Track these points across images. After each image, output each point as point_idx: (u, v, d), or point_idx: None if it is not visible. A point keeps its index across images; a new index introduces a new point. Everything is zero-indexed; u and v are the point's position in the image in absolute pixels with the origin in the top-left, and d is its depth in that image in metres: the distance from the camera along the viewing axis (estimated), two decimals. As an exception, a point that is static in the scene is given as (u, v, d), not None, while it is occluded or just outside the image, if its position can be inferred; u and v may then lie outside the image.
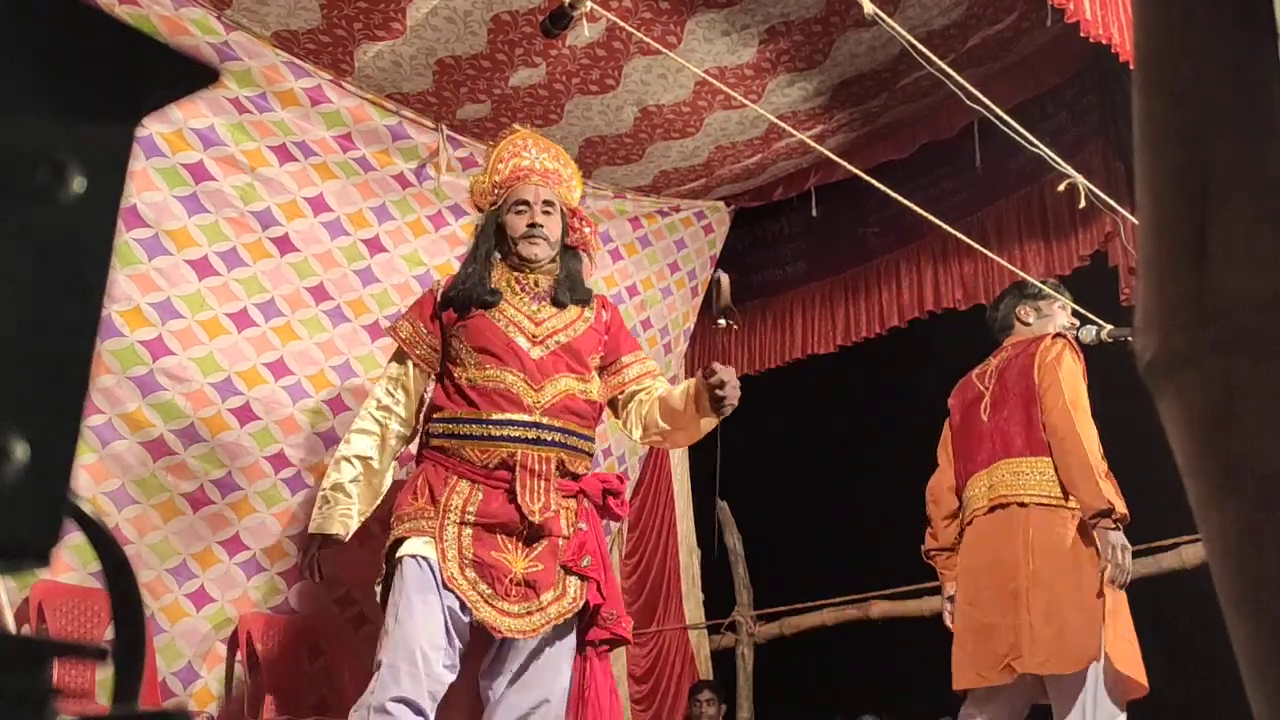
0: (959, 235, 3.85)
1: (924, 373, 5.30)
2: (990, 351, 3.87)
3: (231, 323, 4.30)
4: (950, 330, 5.73)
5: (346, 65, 4.67)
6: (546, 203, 3.06)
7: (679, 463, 6.69)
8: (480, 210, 3.23)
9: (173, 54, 0.49)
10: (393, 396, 3.14)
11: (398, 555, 2.82)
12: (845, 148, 5.48)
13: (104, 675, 3.51)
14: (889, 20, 3.21)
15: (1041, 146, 3.57)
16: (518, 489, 2.83)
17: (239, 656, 4.14)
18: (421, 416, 3.16)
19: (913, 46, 3.34)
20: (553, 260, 3.09)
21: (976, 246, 4.17)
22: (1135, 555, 5.04)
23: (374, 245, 4.85)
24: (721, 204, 6.37)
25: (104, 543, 0.56)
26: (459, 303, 3.03)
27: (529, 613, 2.81)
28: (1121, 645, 3.27)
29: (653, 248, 6.11)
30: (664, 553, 6.49)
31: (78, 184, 0.47)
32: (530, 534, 2.86)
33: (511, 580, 2.80)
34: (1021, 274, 4.25)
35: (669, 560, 6.51)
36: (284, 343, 4.39)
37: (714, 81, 4.15)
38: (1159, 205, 0.57)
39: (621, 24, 3.94)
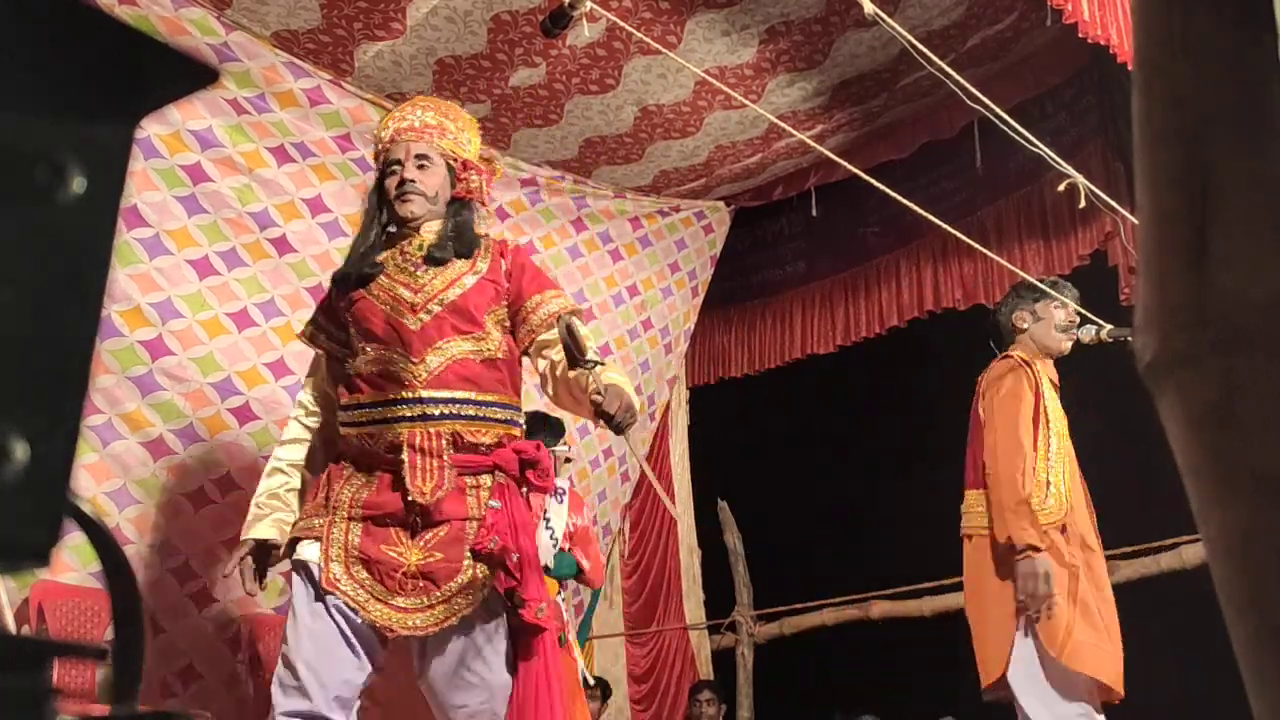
0: (959, 235, 3.85)
1: (924, 373, 5.31)
2: (989, 351, 3.86)
3: (232, 323, 4.30)
4: (950, 330, 5.73)
5: (346, 65, 4.67)
6: (420, 157, 2.79)
7: (679, 462, 6.70)
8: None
9: (173, 54, 0.49)
10: (314, 401, 2.91)
11: (293, 559, 2.69)
12: (845, 148, 5.48)
13: (104, 675, 3.51)
14: (889, 20, 3.21)
15: (1041, 146, 3.57)
16: (406, 472, 2.59)
17: (240, 656, 4.13)
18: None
19: (913, 46, 3.34)
20: (438, 218, 2.82)
21: (976, 246, 4.17)
22: (1135, 555, 5.10)
23: (373, 246, 4.85)
24: (721, 204, 6.37)
25: (104, 543, 0.56)
26: (342, 285, 2.81)
27: (429, 606, 2.58)
28: (1081, 647, 3.31)
29: (653, 248, 6.11)
30: (664, 553, 6.50)
31: (78, 184, 0.47)
32: (425, 521, 2.62)
33: (405, 574, 2.58)
34: (1021, 274, 4.25)
35: (669, 560, 6.52)
36: (284, 343, 4.39)
37: (714, 81, 4.15)
38: (1159, 205, 0.57)
39: (621, 24, 3.94)
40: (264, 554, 2.82)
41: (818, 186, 6.04)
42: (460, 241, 2.79)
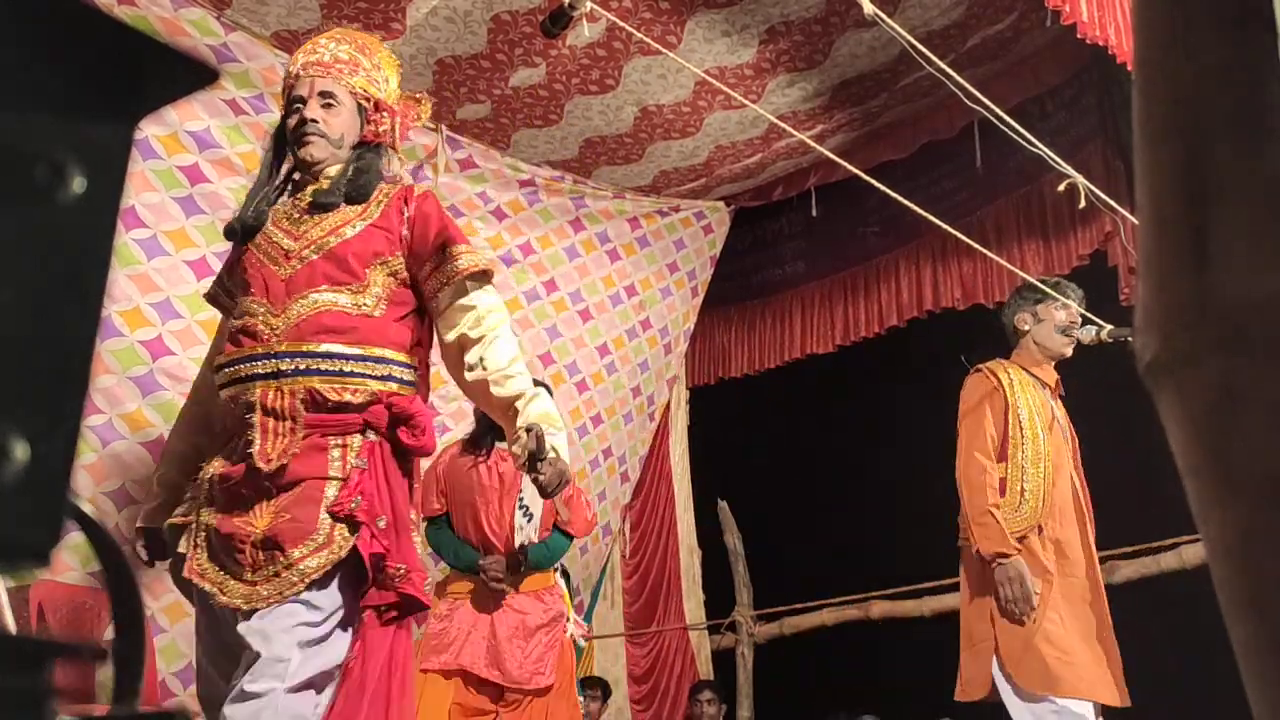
0: (959, 235, 3.85)
1: (923, 373, 5.31)
2: (989, 351, 3.87)
3: (231, 323, 4.30)
4: (949, 330, 5.73)
5: (346, 65, 4.67)
6: (326, 95, 2.52)
7: (679, 462, 6.70)
8: None
9: (172, 54, 0.49)
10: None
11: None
12: (845, 148, 5.48)
13: (104, 675, 3.51)
14: (889, 20, 3.21)
15: (1041, 146, 3.57)
16: (257, 435, 2.31)
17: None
18: None
19: (913, 47, 3.34)
20: (340, 162, 2.56)
21: (976, 246, 4.17)
22: (1135, 555, 5.10)
23: (373, 245, 4.85)
24: (721, 204, 6.37)
25: (104, 543, 0.56)
26: (232, 237, 2.57)
27: (275, 575, 2.26)
28: (1034, 666, 3.35)
29: (651, 248, 6.12)
30: (664, 553, 6.50)
31: (78, 184, 0.47)
32: (277, 485, 2.33)
33: (253, 544, 2.28)
34: (1022, 274, 4.25)
35: (669, 560, 6.52)
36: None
37: (714, 81, 4.15)
38: (1159, 205, 0.57)
39: (621, 24, 3.94)
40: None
41: (818, 186, 6.04)
42: (353, 185, 2.52)
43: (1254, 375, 0.52)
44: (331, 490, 2.33)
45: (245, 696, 2.20)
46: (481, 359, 2.52)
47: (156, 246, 4.14)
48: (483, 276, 2.55)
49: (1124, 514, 3.81)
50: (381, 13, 4.39)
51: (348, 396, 2.37)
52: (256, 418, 2.33)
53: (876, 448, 6.62)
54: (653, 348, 6.17)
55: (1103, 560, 4.92)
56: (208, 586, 2.30)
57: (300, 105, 2.53)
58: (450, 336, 2.53)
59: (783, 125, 3.88)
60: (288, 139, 2.56)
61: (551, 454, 2.44)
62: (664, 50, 3.80)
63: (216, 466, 2.40)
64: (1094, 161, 5.10)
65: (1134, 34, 0.62)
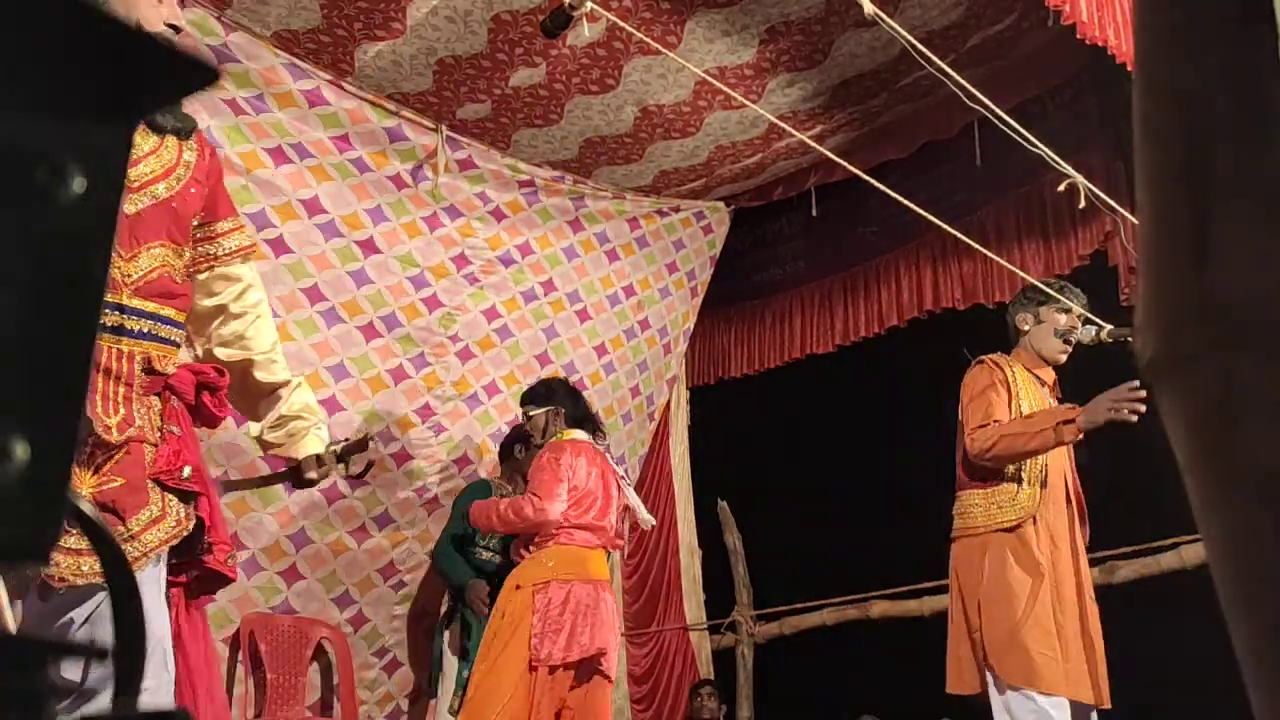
0: (959, 235, 3.85)
1: (923, 373, 5.30)
2: (988, 351, 3.87)
3: (231, 323, 4.30)
4: (950, 330, 5.73)
5: (346, 65, 4.67)
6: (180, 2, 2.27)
7: (679, 463, 6.70)
8: None
9: (173, 54, 0.49)
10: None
11: None
12: (845, 148, 5.48)
13: (104, 675, 3.51)
14: (889, 20, 3.21)
15: (1041, 146, 3.57)
16: (90, 397, 2.03)
17: (240, 656, 4.14)
18: None
19: (913, 46, 3.33)
20: None
21: (976, 246, 4.17)
22: (1135, 555, 5.10)
23: (368, 247, 4.86)
24: (721, 204, 6.37)
25: (104, 543, 0.56)
26: None
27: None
28: (1018, 662, 3.36)
29: (651, 248, 6.12)
30: (664, 553, 6.50)
31: (78, 184, 0.47)
32: (96, 448, 2.08)
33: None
34: (1021, 274, 4.25)
35: (669, 560, 6.52)
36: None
37: (714, 81, 4.15)
38: (1159, 205, 0.57)
39: (621, 24, 3.94)
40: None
41: (818, 186, 6.04)
42: (176, 116, 2.22)
43: (1254, 374, 0.52)
44: (149, 454, 2.13)
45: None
46: (241, 336, 2.38)
47: (156, 246, 4.14)
48: (251, 251, 2.42)
49: (1124, 514, 3.81)
50: (381, 13, 4.39)
51: (167, 367, 2.20)
52: (92, 378, 2.03)
53: (877, 447, 6.62)
54: (651, 348, 6.17)
55: (1103, 560, 4.93)
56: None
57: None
58: (207, 303, 2.36)
59: (783, 125, 3.88)
60: (129, 18, 2.13)
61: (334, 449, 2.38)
62: (664, 50, 3.80)
63: None
64: (1094, 161, 5.10)
65: (1134, 34, 0.62)
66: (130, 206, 2.14)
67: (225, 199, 2.39)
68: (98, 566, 1.98)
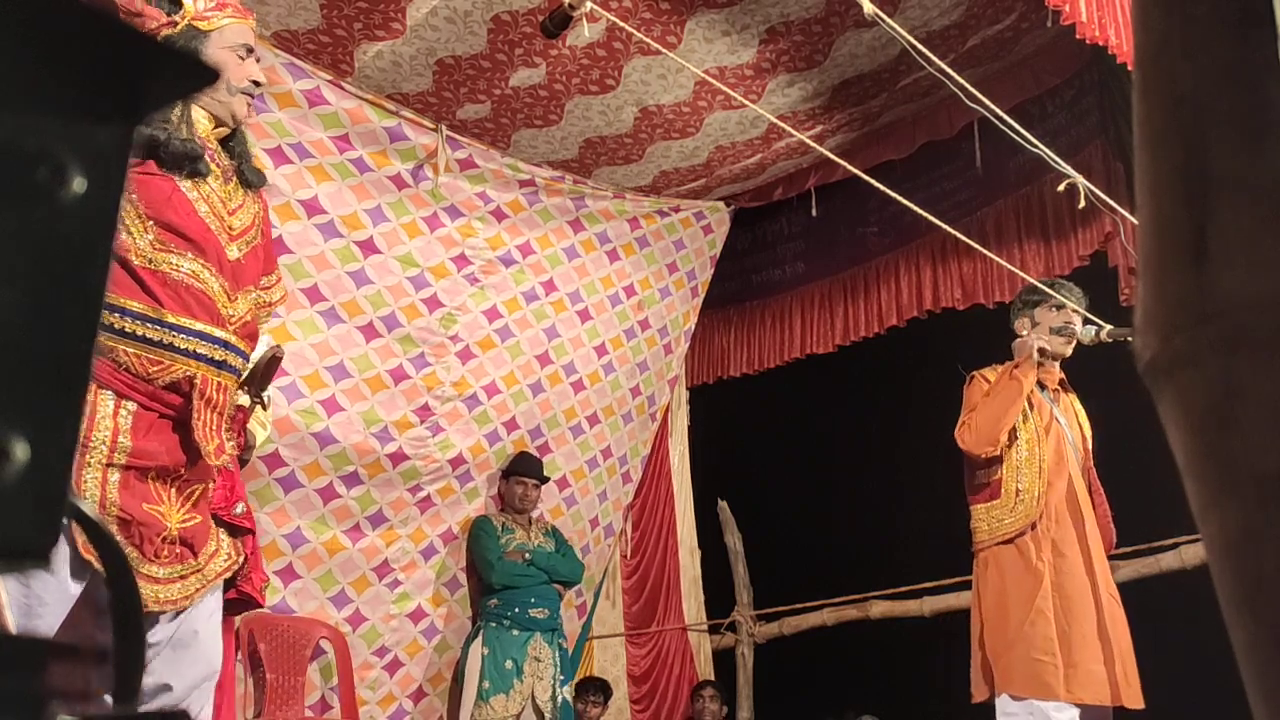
0: (959, 235, 3.85)
1: (923, 373, 5.31)
2: (988, 351, 3.88)
3: (231, 323, 4.30)
4: (950, 330, 5.73)
5: (346, 65, 4.67)
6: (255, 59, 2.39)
7: (679, 463, 6.70)
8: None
9: (172, 53, 0.49)
10: None
11: None
12: (845, 148, 5.48)
13: (104, 675, 3.51)
14: (889, 20, 3.21)
15: (1041, 146, 3.57)
16: (195, 424, 2.14)
17: (239, 656, 4.13)
18: None
19: (913, 47, 3.34)
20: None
21: (976, 246, 4.17)
22: (1135, 555, 5.10)
23: (368, 247, 4.86)
24: (721, 204, 6.37)
25: (104, 543, 0.56)
26: (154, 149, 2.22)
27: (183, 576, 2.15)
28: (1013, 669, 3.39)
29: (651, 248, 6.12)
30: (664, 553, 6.50)
31: (78, 184, 0.47)
32: (190, 477, 2.20)
33: (164, 539, 2.12)
34: (1021, 274, 4.25)
35: (669, 560, 6.52)
36: (279, 343, 4.39)
37: (714, 81, 4.15)
38: (1159, 205, 0.57)
39: (621, 24, 3.94)
40: None
41: (818, 186, 6.04)
42: (256, 173, 2.39)
43: (1254, 374, 0.52)
44: (210, 490, 2.26)
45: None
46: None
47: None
48: (283, 302, 2.66)
49: (1124, 514, 3.81)
50: (381, 13, 4.39)
51: (238, 401, 2.35)
52: (194, 401, 2.15)
53: (877, 447, 6.62)
54: (652, 348, 6.17)
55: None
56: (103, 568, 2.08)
57: (249, 55, 2.35)
58: None
59: (783, 125, 3.88)
60: (230, 81, 2.31)
61: None
62: (664, 50, 3.80)
63: (116, 430, 2.10)
64: (1094, 162, 5.10)
65: (1134, 34, 0.62)
66: (234, 253, 2.28)
67: (273, 252, 2.55)
68: (173, 594, 2.15)
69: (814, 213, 6.08)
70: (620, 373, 5.99)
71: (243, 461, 2.45)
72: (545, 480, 5.40)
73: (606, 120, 5.23)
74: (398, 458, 5.02)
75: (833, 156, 3.80)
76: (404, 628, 5.13)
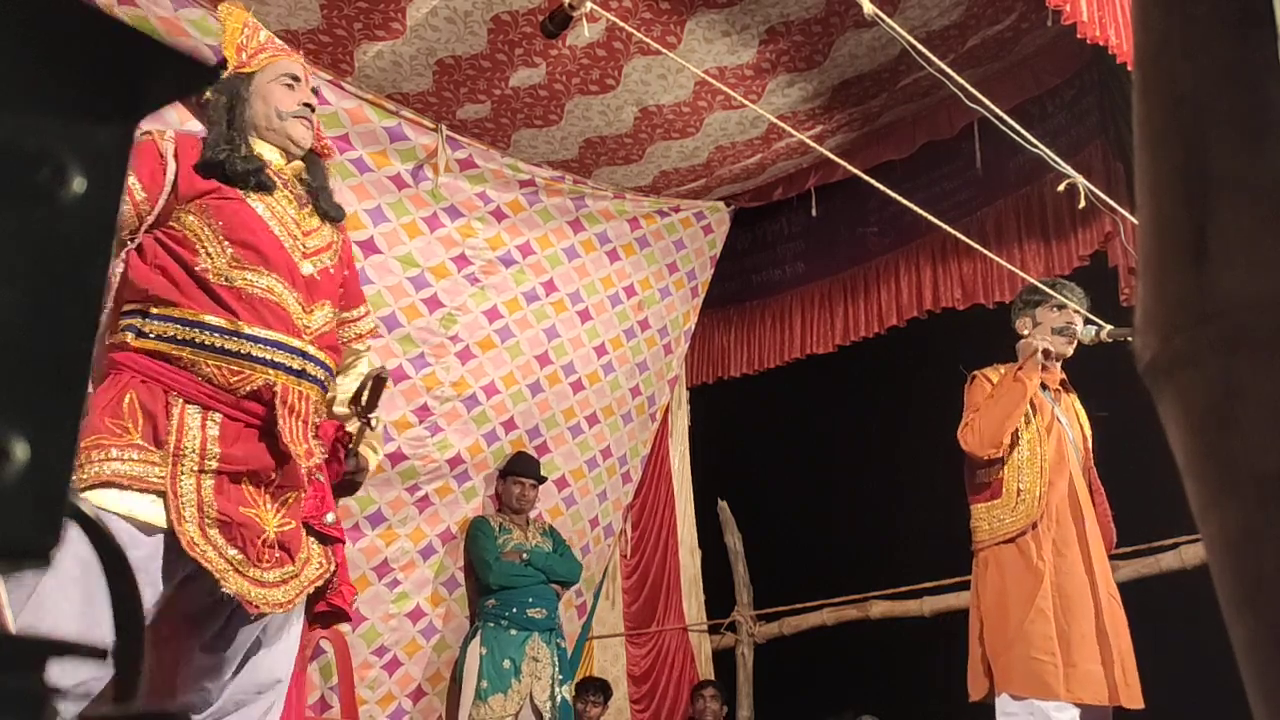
0: (959, 235, 3.85)
1: (923, 373, 5.31)
2: (988, 351, 3.88)
3: (231, 323, 4.30)
4: (949, 330, 5.73)
5: (346, 65, 4.67)
6: (314, 90, 2.56)
7: (679, 463, 6.70)
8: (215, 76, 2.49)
9: (172, 53, 0.49)
10: None
11: (103, 507, 2.07)
12: (845, 148, 5.48)
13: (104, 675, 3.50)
14: (889, 20, 3.21)
15: (1041, 146, 3.57)
16: (280, 430, 2.24)
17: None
18: (112, 302, 2.35)
19: (913, 47, 3.33)
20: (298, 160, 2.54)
21: (976, 246, 4.17)
22: (1135, 555, 5.10)
23: (368, 247, 4.85)
24: (721, 204, 6.37)
25: (104, 543, 0.56)
26: (218, 172, 2.34)
27: (284, 580, 2.22)
28: (1012, 668, 3.39)
29: (651, 248, 6.12)
30: (664, 553, 6.50)
31: (78, 184, 0.47)
32: (282, 483, 2.29)
33: (264, 542, 2.20)
34: (1022, 274, 4.25)
35: (669, 560, 6.52)
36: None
37: (714, 82, 4.15)
38: (1159, 205, 0.57)
39: (621, 24, 3.94)
40: None
41: (818, 186, 6.04)
42: (336, 208, 2.54)
43: (1254, 374, 0.52)
44: (300, 499, 2.34)
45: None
46: (345, 391, 2.66)
47: (156, 246, 4.14)
48: (374, 335, 2.78)
49: (1124, 514, 3.82)
50: (381, 13, 4.39)
51: (322, 413, 2.44)
52: (277, 408, 2.24)
53: (877, 447, 6.62)
54: (652, 348, 6.17)
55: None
56: (210, 570, 2.11)
57: (296, 83, 2.48)
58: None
59: (783, 125, 3.88)
60: (278, 107, 2.45)
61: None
62: (664, 50, 3.80)
63: (204, 438, 2.18)
64: (1094, 162, 5.10)
65: (1134, 34, 0.62)
66: (307, 268, 2.40)
67: (359, 287, 2.70)
68: (280, 597, 2.22)
69: (814, 213, 6.08)
70: (620, 373, 5.99)
71: (355, 485, 2.50)
72: (542, 480, 5.40)
73: (606, 120, 5.23)
74: (396, 458, 5.02)
75: (833, 156, 3.80)
76: (403, 627, 5.13)
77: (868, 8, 3.07)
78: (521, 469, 5.32)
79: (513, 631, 4.94)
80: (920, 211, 3.45)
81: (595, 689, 5.86)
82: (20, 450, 0.45)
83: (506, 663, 4.87)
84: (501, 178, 5.39)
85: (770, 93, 5.10)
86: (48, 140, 0.46)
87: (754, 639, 6.67)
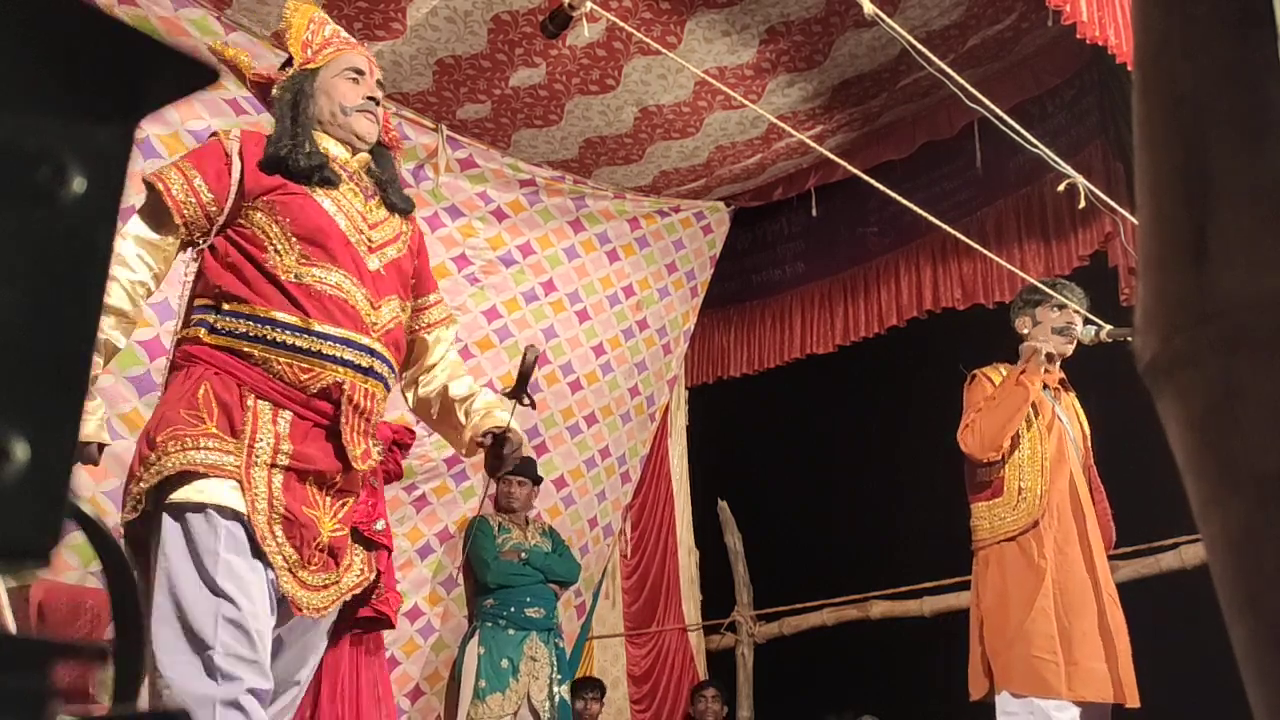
0: (959, 235, 3.85)
1: (923, 373, 5.31)
2: (988, 351, 3.88)
3: (231, 323, 4.30)
4: (949, 330, 5.73)
5: (346, 65, 4.67)
6: (379, 83, 2.51)
7: (679, 463, 6.70)
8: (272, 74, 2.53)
9: (172, 53, 0.49)
10: (149, 269, 2.28)
11: (185, 499, 2.08)
12: (845, 148, 5.48)
13: (104, 675, 3.51)
14: (889, 20, 3.21)
15: (1041, 146, 3.57)
16: (344, 428, 2.22)
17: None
18: (186, 300, 2.34)
19: (913, 47, 3.33)
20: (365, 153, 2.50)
21: (976, 246, 4.17)
22: (1135, 555, 5.10)
23: (372, 246, 4.86)
24: (721, 204, 6.37)
25: (104, 543, 0.56)
26: (282, 168, 2.31)
27: (325, 585, 2.19)
28: (1012, 667, 3.40)
29: (650, 248, 6.12)
30: (664, 553, 6.50)
31: (78, 184, 0.47)
32: (343, 487, 2.28)
33: (317, 545, 2.18)
34: (1022, 274, 4.25)
35: (669, 560, 6.52)
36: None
37: (714, 81, 4.15)
38: (1159, 205, 0.57)
39: (621, 24, 3.94)
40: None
41: (818, 187, 6.04)
42: (404, 200, 2.50)
43: (1254, 374, 0.52)
44: (352, 504, 2.32)
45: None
46: (436, 380, 2.68)
47: (156, 246, 4.14)
48: (452, 321, 2.75)
49: (1124, 514, 3.82)
50: (381, 13, 4.39)
51: (384, 411, 2.41)
52: (343, 407, 2.22)
53: (877, 447, 6.62)
54: (651, 348, 6.17)
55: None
56: (275, 566, 2.10)
57: (360, 76, 2.45)
58: (415, 361, 2.67)
59: (783, 125, 3.88)
60: (342, 101, 2.42)
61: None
62: (664, 50, 3.80)
63: (277, 435, 2.16)
64: (1094, 162, 5.10)
65: (1134, 34, 0.62)
66: (373, 264, 2.36)
67: (430, 275, 2.66)
68: (319, 602, 2.19)
69: (814, 213, 6.08)
70: (619, 373, 5.99)
71: (506, 461, 2.46)
72: (538, 480, 5.39)
73: (606, 120, 5.23)
74: (397, 457, 5.02)
75: (833, 156, 3.80)
76: (401, 626, 5.13)
77: (868, 8, 3.07)
78: (516, 468, 5.31)
79: (511, 631, 4.93)
80: (920, 211, 3.45)
81: (592, 686, 5.86)
82: (20, 450, 0.45)
83: (505, 662, 4.87)
84: (502, 177, 5.39)
85: (770, 93, 5.10)
86: (48, 140, 0.46)
87: (754, 639, 6.67)
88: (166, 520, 2.07)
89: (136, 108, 0.50)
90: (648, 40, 3.73)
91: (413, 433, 2.49)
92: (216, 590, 2.03)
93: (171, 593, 2.04)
